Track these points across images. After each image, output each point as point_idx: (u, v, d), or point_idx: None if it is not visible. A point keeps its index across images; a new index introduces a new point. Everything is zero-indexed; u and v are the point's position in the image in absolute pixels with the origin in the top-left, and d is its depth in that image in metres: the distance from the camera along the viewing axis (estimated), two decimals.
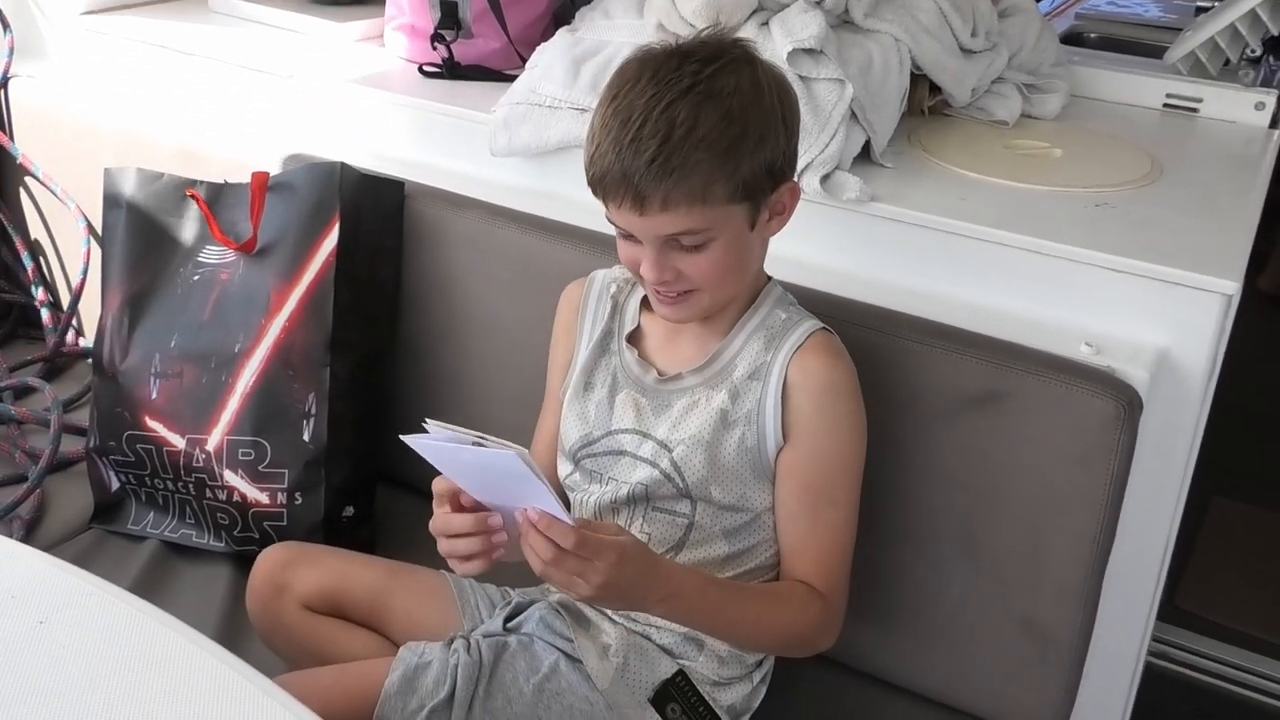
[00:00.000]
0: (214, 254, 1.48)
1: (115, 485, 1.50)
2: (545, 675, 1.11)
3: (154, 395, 1.44)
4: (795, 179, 1.10)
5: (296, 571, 1.23)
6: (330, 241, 1.42)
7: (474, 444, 0.92)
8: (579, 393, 1.19)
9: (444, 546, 1.01)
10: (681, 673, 1.13)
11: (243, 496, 1.41)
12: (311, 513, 1.39)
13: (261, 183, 1.47)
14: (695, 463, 1.11)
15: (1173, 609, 2.12)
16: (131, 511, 1.51)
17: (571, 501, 1.21)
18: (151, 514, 1.49)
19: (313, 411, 1.39)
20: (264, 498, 1.40)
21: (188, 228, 1.52)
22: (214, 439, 1.41)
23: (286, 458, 1.40)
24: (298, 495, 1.40)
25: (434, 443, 0.95)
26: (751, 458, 1.11)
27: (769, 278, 1.17)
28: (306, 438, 1.39)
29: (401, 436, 0.95)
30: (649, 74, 1.00)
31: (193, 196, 1.51)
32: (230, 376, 1.41)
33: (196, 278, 1.48)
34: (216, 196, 1.52)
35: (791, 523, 1.11)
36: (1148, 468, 1.21)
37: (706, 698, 1.13)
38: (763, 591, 1.12)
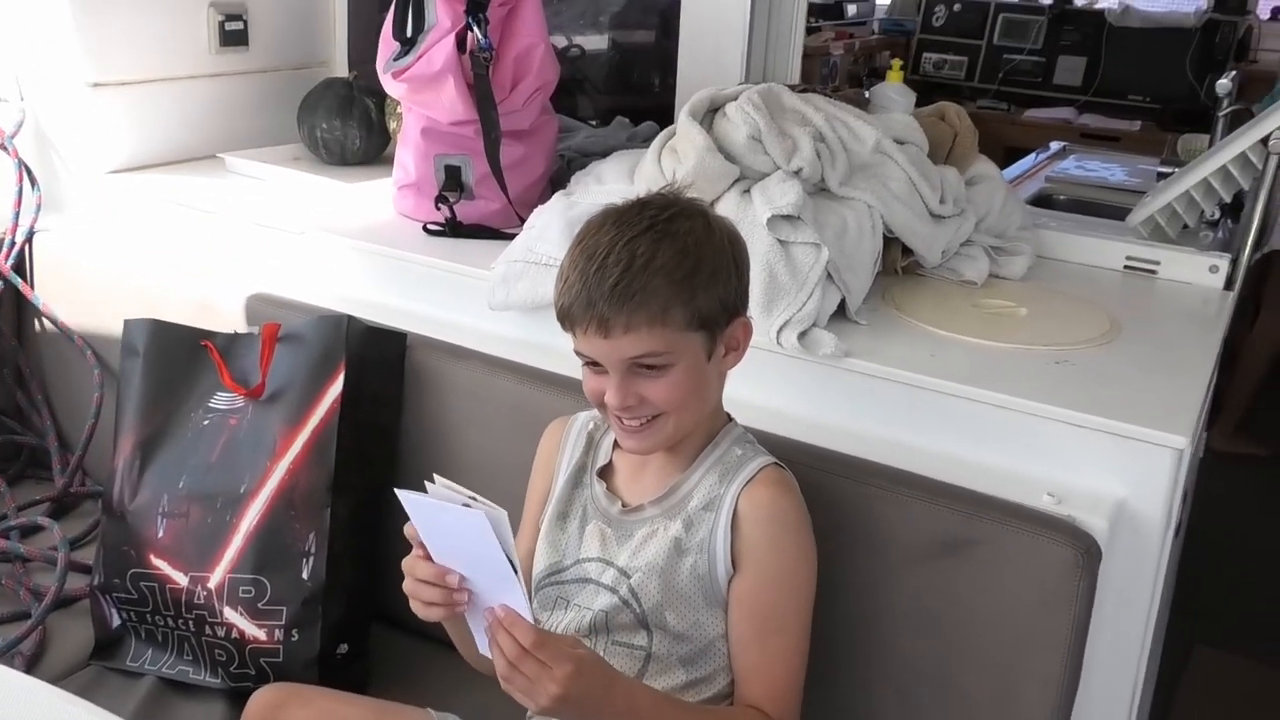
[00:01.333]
0: (224, 400, 1.56)
1: (116, 622, 1.54)
2: None
3: (160, 534, 1.50)
4: (747, 316, 1.19)
5: (288, 713, 1.26)
6: (335, 389, 1.50)
7: (464, 504, 0.98)
8: (554, 522, 1.26)
9: (408, 586, 1.07)
10: None
11: (241, 633, 1.45)
12: (307, 649, 1.44)
13: (272, 333, 1.56)
14: (651, 589, 1.17)
15: None
16: (131, 648, 1.54)
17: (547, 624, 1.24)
18: (150, 650, 1.53)
19: (312, 550, 1.45)
20: (262, 634, 1.44)
21: (200, 376, 1.60)
22: (216, 577, 1.46)
23: (285, 595, 1.44)
24: (295, 632, 1.44)
25: (421, 499, 1.01)
26: (703, 585, 1.16)
27: (729, 418, 1.24)
28: (305, 576, 1.45)
29: (397, 490, 1.02)
30: (612, 219, 1.13)
31: (206, 346, 1.59)
32: (235, 516, 1.47)
33: (206, 422, 1.55)
34: (229, 346, 1.61)
35: (743, 649, 1.16)
36: (1111, 614, 1.26)
37: None
38: (719, 714, 1.17)
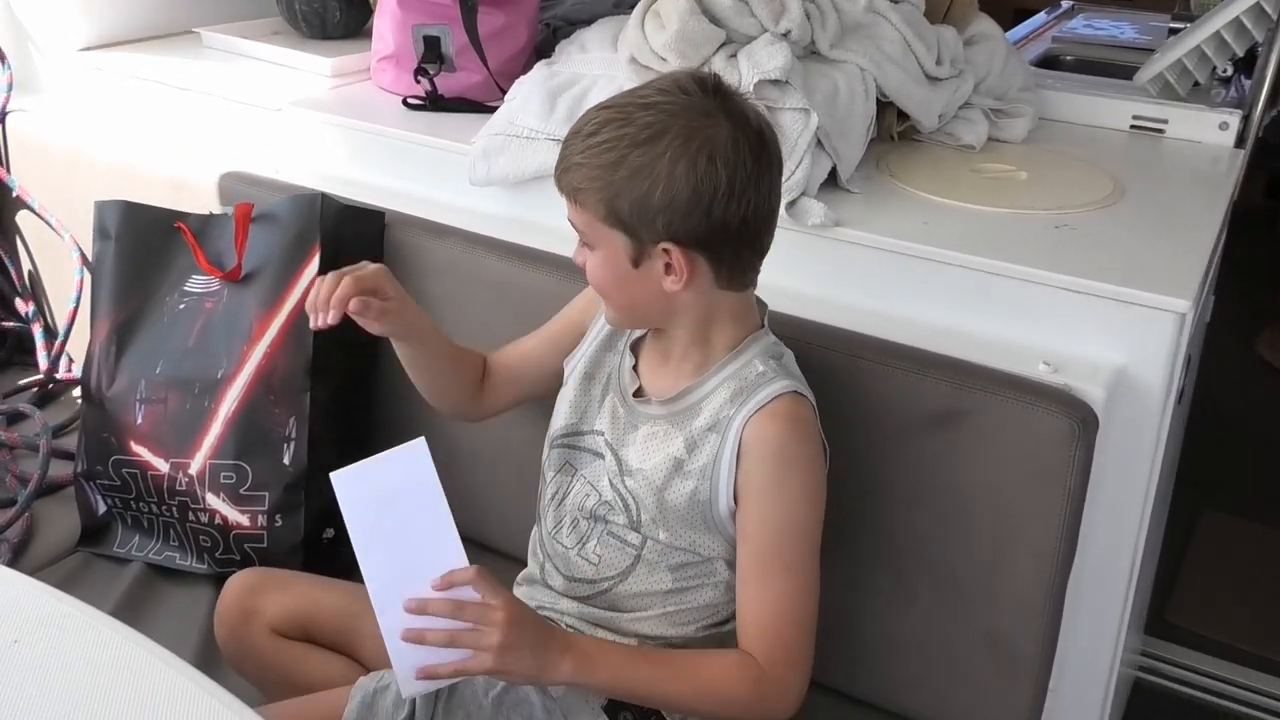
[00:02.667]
0: (199, 283, 1.52)
1: (102, 509, 1.54)
2: (503, 688, 1.12)
3: (139, 421, 1.48)
4: (682, 246, 1.05)
5: (265, 597, 1.25)
6: (311, 270, 1.46)
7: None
8: (580, 382, 1.22)
9: None
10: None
11: (224, 519, 1.44)
12: (291, 534, 1.43)
13: (245, 213, 1.51)
14: (648, 502, 1.14)
15: (1163, 624, 2.13)
16: (118, 535, 1.54)
17: (551, 488, 1.23)
18: (137, 537, 1.52)
19: (293, 435, 1.43)
20: (245, 520, 1.44)
21: (175, 258, 1.55)
22: (197, 463, 1.45)
23: (267, 481, 1.43)
24: (278, 518, 1.43)
25: (352, 470, 1.03)
26: (703, 511, 1.12)
27: (763, 324, 1.16)
28: (287, 461, 1.43)
29: (332, 475, 1.02)
30: (628, 93, 1.09)
31: (180, 228, 1.55)
32: (213, 402, 1.45)
33: (182, 306, 1.52)
34: (203, 227, 1.56)
35: (743, 587, 1.11)
36: (1110, 483, 1.24)
37: None
38: (689, 661, 1.12)
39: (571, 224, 1.11)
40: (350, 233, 1.51)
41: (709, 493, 1.11)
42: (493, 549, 1.43)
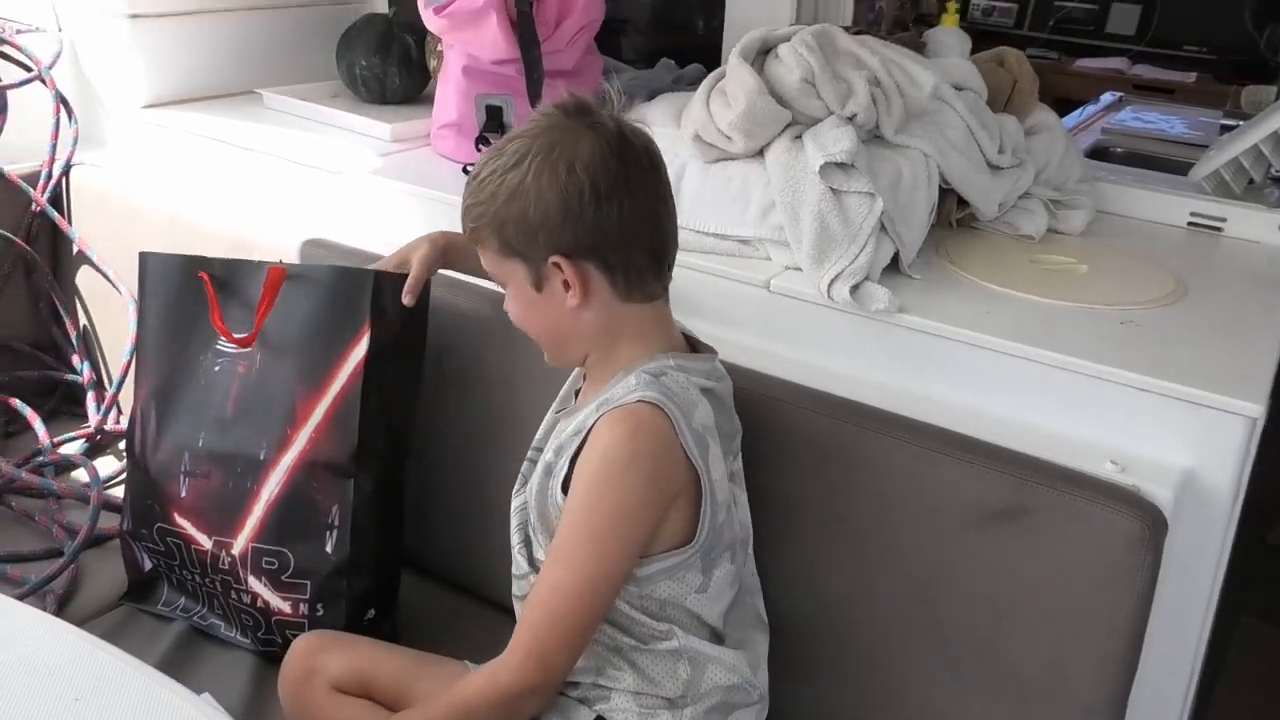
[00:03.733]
0: (228, 342, 1.45)
1: (148, 566, 1.52)
2: None
3: (183, 493, 1.43)
4: (570, 258, 1.09)
5: (327, 656, 1.26)
6: (359, 351, 1.37)
7: None
8: (555, 405, 1.28)
9: None
10: (600, 717, 1.14)
11: (266, 603, 1.40)
12: (332, 622, 1.38)
13: (276, 279, 1.41)
14: (533, 510, 1.18)
15: None
16: (163, 593, 1.52)
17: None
18: (182, 599, 1.50)
19: (336, 523, 1.38)
20: (286, 607, 1.39)
21: (206, 311, 1.46)
22: (239, 544, 1.40)
23: (309, 568, 1.38)
24: (319, 606, 1.38)
25: None
26: (556, 509, 1.14)
27: (667, 354, 1.15)
28: (329, 549, 1.38)
29: None
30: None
31: (203, 278, 1.45)
32: (255, 484, 1.39)
33: (216, 368, 1.44)
34: (231, 277, 1.46)
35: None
36: (1173, 588, 1.21)
37: None
38: (447, 695, 1.14)
39: (489, 275, 1.18)
40: (401, 306, 1.40)
41: (555, 486, 1.14)
42: None
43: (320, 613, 1.38)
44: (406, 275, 1.39)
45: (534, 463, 1.23)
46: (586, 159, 1.07)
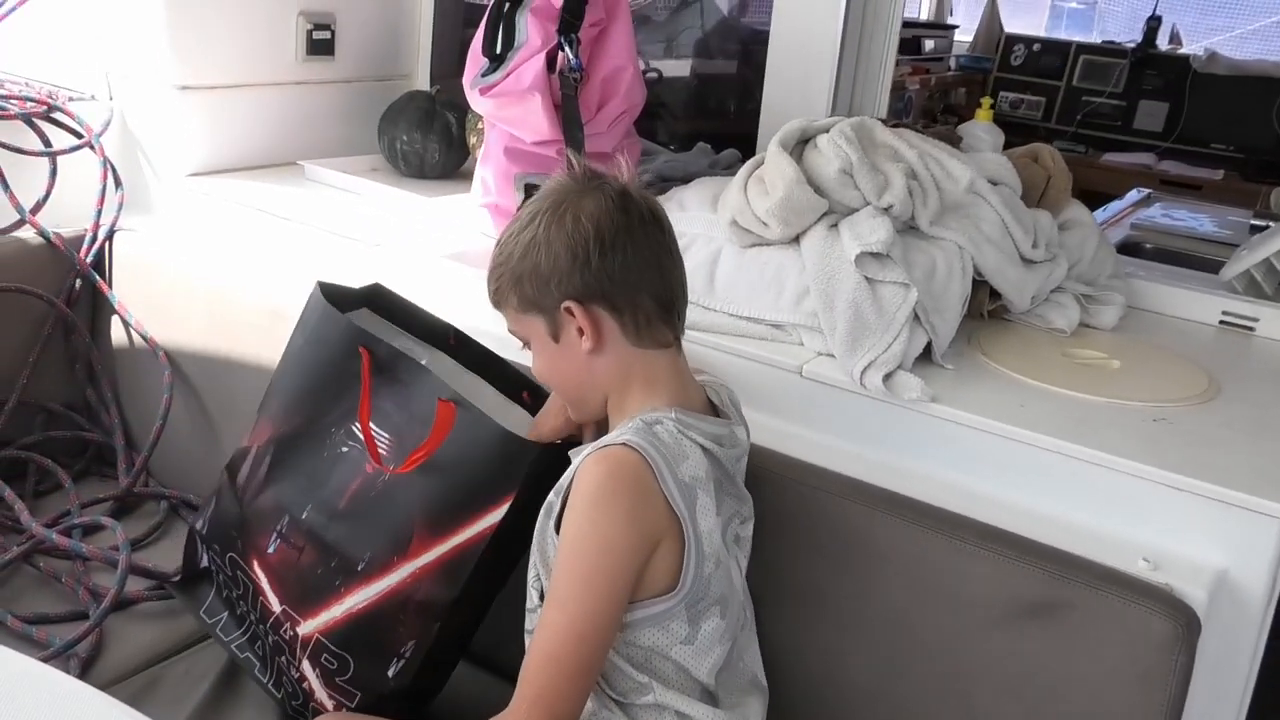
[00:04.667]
0: (379, 442, 1.35)
1: (204, 564, 1.50)
2: None
3: (271, 551, 1.39)
4: (583, 305, 1.16)
5: None
6: (498, 514, 1.28)
7: None
8: None
9: None
10: None
11: (311, 691, 1.38)
12: None
13: (447, 417, 1.29)
14: (535, 555, 1.20)
15: None
16: (208, 599, 1.50)
17: None
18: (225, 616, 1.48)
19: (407, 655, 1.33)
20: (329, 704, 1.36)
21: (353, 384, 1.36)
22: (307, 627, 1.36)
23: (365, 683, 1.34)
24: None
25: None
26: (552, 546, 1.17)
27: (667, 407, 1.17)
28: (391, 674, 1.33)
29: None
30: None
31: (363, 355, 1.35)
32: (345, 587, 1.33)
33: (344, 450, 1.36)
34: (393, 366, 1.35)
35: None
36: (1205, 688, 1.20)
37: None
38: None
39: (513, 335, 1.24)
40: (549, 472, 1.26)
41: (550, 524, 1.17)
42: None
43: None
44: (558, 445, 1.33)
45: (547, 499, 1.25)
46: (591, 211, 1.15)
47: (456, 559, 1.30)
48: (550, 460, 1.28)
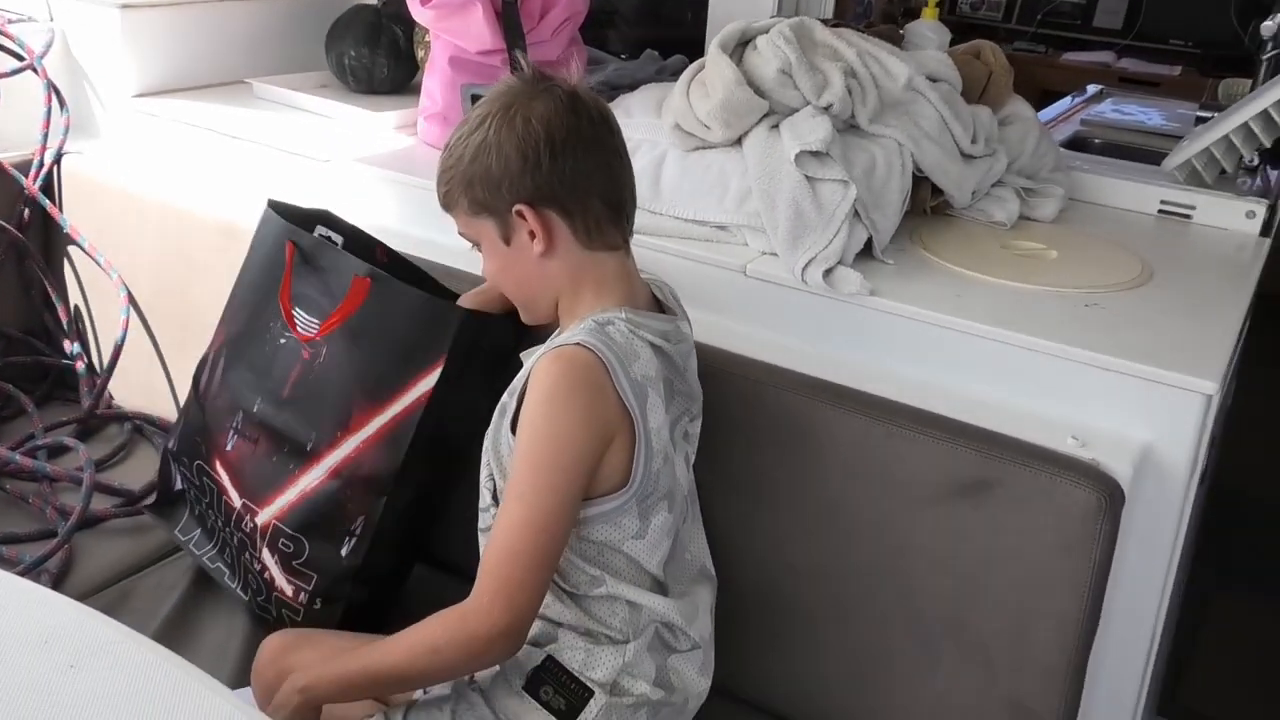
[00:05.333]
0: (299, 321, 1.43)
1: (179, 486, 1.56)
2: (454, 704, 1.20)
3: (229, 447, 1.46)
4: (535, 208, 1.17)
5: (298, 655, 1.28)
6: (427, 382, 1.35)
7: None
8: None
9: None
10: (549, 657, 1.18)
11: (271, 579, 1.43)
12: (326, 620, 1.40)
13: (360, 291, 1.38)
14: (489, 451, 1.23)
15: (1175, 706, 2.13)
16: (184, 518, 1.56)
17: None
18: (198, 532, 1.54)
19: (357, 532, 1.38)
20: (289, 590, 1.42)
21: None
22: (264, 515, 1.42)
23: (320, 564, 1.40)
24: (318, 601, 1.40)
25: None
26: (507, 446, 1.20)
27: (617, 308, 1.20)
28: (344, 554, 1.39)
29: None
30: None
31: (288, 249, 1.44)
32: (296, 469, 1.40)
33: (282, 341, 1.44)
34: (318, 255, 1.44)
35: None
36: (1133, 558, 1.26)
37: (577, 675, 1.17)
38: (402, 634, 1.16)
39: (464, 238, 1.25)
40: (485, 343, 1.38)
41: (505, 424, 1.20)
42: None
43: (318, 607, 1.41)
44: (491, 316, 1.40)
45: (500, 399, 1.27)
46: (541, 113, 1.16)
47: (395, 429, 1.36)
48: (476, 331, 1.37)
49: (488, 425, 1.36)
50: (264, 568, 1.44)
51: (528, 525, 1.12)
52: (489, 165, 1.16)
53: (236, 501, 1.45)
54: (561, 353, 1.15)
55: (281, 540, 1.41)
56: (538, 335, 1.27)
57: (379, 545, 1.39)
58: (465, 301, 1.43)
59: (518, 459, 1.15)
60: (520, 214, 1.17)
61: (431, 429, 1.36)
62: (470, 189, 1.19)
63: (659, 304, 1.28)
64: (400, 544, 1.46)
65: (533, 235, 1.18)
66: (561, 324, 1.25)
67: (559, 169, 1.16)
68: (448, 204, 1.23)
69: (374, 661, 1.17)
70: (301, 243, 1.45)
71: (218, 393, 1.49)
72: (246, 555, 1.46)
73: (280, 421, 1.42)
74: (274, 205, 1.51)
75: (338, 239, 1.50)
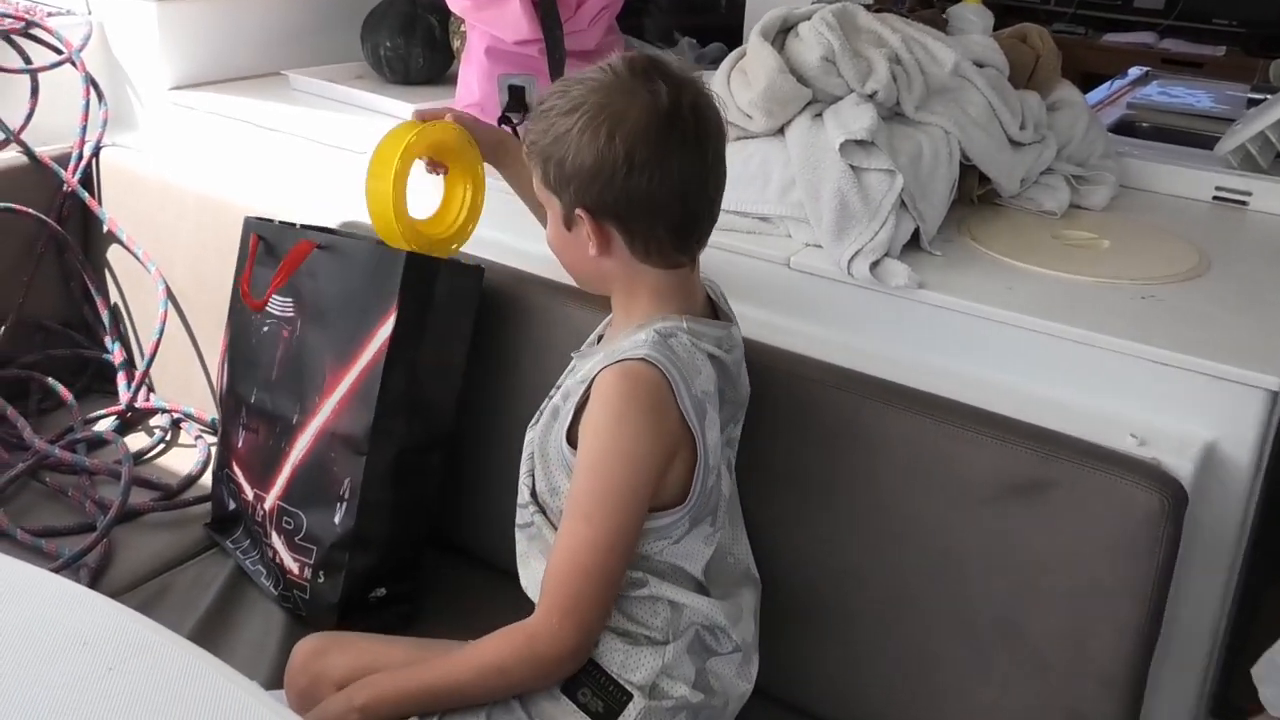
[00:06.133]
0: (276, 305, 1.50)
1: (231, 506, 1.59)
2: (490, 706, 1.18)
3: (240, 444, 1.53)
4: (596, 219, 1.14)
5: (330, 659, 1.28)
6: (385, 330, 1.39)
7: None
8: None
9: None
10: (590, 660, 1.16)
11: (281, 560, 1.47)
12: (329, 593, 1.42)
13: (299, 254, 1.45)
14: (536, 452, 1.21)
15: (1227, 705, 2.08)
16: (238, 530, 1.58)
17: None
18: (248, 541, 1.56)
19: (346, 496, 1.41)
20: (295, 567, 1.45)
21: (261, 274, 1.53)
22: (270, 499, 1.48)
23: (318, 535, 1.43)
24: (321, 574, 1.42)
25: None
26: (561, 454, 1.18)
27: (677, 317, 1.17)
28: (336, 520, 1.42)
29: None
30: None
31: (253, 239, 1.52)
32: (288, 444, 1.46)
33: (265, 329, 1.51)
34: (278, 242, 1.52)
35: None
36: (1196, 560, 1.22)
37: (615, 677, 1.15)
38: (468, 651, 1.17)
39: (537, 194, 1.21)
40: (443, 289, 1.44)
41: (558, 433, 1.17)
42: None
43: (321, 579, 1.43)
44: (443, 261, 1.43)
45: (551, 399, 1.25)
46: (630, 128, 1.09)
47: (364, 383, 1.40)
48: (421, 271, 1.41)
49: (463, 378, 1.44)
50: (275, 551, 1.48)
51: (596, 546, 1.10)
52: (565, 157, 1.12)
53: (250, 495, 1.51)
54: (628, 369, 1.12)
55: (284, 519, 1.46)
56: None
57: (369, 509, 1.42)
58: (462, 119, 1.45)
59: (582, 477, 1.13)
60: (580, 216, 1.14)
61: (400, 382, 1.41)
62: (545, 164, 1.15)
63: (713, 307, 1.25)
64: (394, 507, 1.45)
65: (590, 236, 1.15)
66: (616, 321, 1.23)
67: (630, 187, 1.11)
68: (528, 159, 1.19)
69: (437, 680, 1.16)
70: (263, 233, 1.53)
71: (225, 396, 1.56)
72: (263, 545, 1.50)
73: (271, 404, 1.49)
74: (251, 220, 1.58)
75: (297, 223, 1.56)
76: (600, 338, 1.29)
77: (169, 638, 0.96)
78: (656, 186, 1.11)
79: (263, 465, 1.49)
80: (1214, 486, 1.20)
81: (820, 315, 1.42)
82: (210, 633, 1.44)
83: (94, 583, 1.52)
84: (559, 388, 1.24)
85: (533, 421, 1.26)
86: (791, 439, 1.30)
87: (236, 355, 1.56)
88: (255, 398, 1.51)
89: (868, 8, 1.61)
